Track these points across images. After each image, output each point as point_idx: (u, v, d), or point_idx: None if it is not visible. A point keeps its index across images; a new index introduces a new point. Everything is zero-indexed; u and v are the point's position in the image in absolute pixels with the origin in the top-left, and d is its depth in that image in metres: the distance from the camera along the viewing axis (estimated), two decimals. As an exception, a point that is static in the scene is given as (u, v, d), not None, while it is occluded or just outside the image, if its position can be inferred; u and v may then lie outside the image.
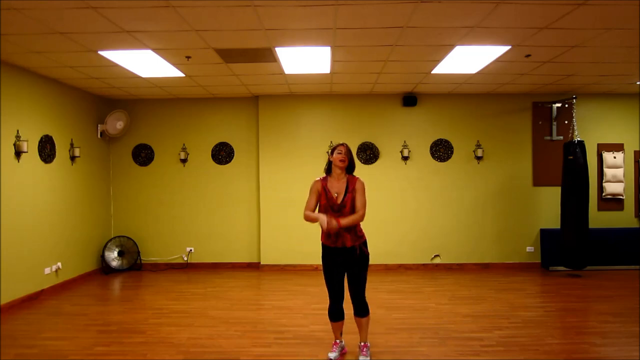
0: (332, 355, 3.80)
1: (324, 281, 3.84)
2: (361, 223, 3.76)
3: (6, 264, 5.31)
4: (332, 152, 3.77)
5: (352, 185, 3.72)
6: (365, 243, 3.76)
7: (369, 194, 7.87)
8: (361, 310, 3.77)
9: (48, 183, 6.13)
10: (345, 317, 3.89)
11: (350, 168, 3.77)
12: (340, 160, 3.69)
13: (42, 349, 4.13)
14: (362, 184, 3.76)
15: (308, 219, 3.69)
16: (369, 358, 3.77)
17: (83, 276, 6.93)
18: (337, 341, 3.92)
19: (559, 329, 4.60)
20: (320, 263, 3.85)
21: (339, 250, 3.70)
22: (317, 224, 3.67)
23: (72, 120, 6.72)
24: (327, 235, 3.70)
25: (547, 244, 7.33)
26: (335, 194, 3.69)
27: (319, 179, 3.81)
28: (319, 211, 3.73)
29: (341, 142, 3.83)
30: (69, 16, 3.93)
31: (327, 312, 3.91)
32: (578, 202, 6.69)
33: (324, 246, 3.79)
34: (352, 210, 3.67)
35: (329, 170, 3.81)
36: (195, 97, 7.70)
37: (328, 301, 3.84)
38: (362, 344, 3.84)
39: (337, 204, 3.67)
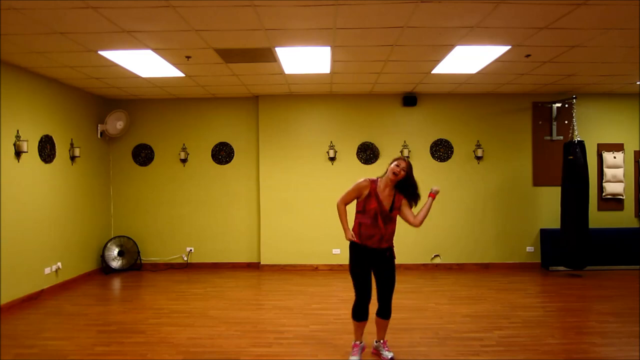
0: (354, 358, 3.76)
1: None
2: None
3: (6, 264, 5.31)
4: (392, 161, 3.68)
5: (398, 202, 3.68)
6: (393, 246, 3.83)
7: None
8: (387, 312, 3.80)
9: (48, 183, 6.13)
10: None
11: (403, 186, 3.67)
12: (394, 173, 3.60)
13: (42, 349, 4.12)
14: (406, 202, 3.73)
15: (339, 215, 3.71)
16: (392, 353, 3.85)
17: (83, 276, 6.93)
18: (358, 342, 3.83)
19: (559, 329, 4.60)
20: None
21: (374, 251, 3.68)
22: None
23: (72, 120, 6.72)
24: (369, 236, 3.65)
25: (547, 244, 7.33)
26: (386, 203, 3.66)
27: (368, 180, 3.70)
28: (371, 214, 3.62)
29: (404, 157, 3.73)
30: (69, 16, 3.93)
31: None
32: (578, 202, 6.69)
33: (358, 247, 3.70)
34: (394, 224, 3.72)
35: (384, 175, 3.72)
36: (195, 97, 7.70)
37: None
38: (383, 341, 3.90)
39: (389, 214, 3.64)
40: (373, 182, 3.68)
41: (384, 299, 3.77)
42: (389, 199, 3.66)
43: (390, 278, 3.76)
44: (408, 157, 7.54)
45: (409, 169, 3.65)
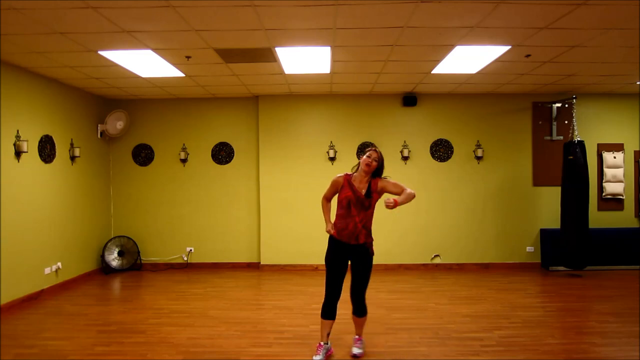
0: (317, 358, 3.77)
1: (324, 281, 3.84)
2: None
3: (6, 264, 5.31)
4: (362, 153, 3.76)
5: (374, 186, 3.69)
6: (372, 243, 3.80)
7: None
8: (360, 310, 3.83)
9: (48, 183, 6.13)
10: (336, 318, 3.86)
11: (374, 175, 3.73)
12: (367, 164, 3.66)
13: (42, 349, 4.12)
14: (385, 179, 3.74)
15: (323, 209, 3.92)
16: (362, 350, 3.88)
17: (83, 276, 6.93)
18: (322, 343, 3.85)
19: (559, 329, 4.60)
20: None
21: (349, 247, 3.70)
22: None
23: (72, 120, 6.72)
24: (343, 228, 3.68)
25: (547, 244, 7.33)
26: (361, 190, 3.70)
27: (342, 174, 3.80)
28: (343, 203, 3.70)
29: (373, 147, 3.78)
30: (69, 16, 3.93)
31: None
32: (578, 202, 6.69)
33: (334, 241, 3.76)
34: (373, 210, 3.72)
35: (357, 169, 3.80)
36: (195, 97, 7.70)
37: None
38: (357, 337, 3.94)
39: (362, 197, 3.64)
40: (347, 175, 3.78)
41: (356, 296, 3.79)
42: (365, 186, 3.70)
43: (363, 276, 3.76)
44: (408, 157, 7.54)
45: (380, 158, 3.71)
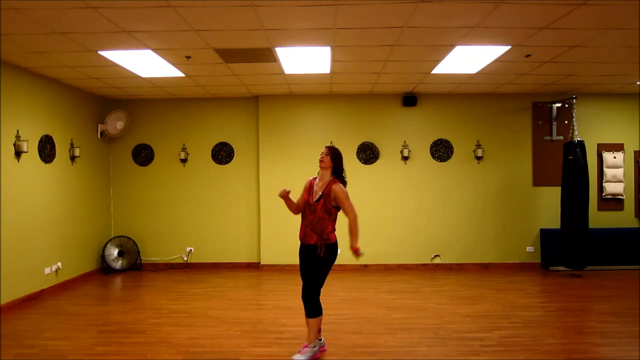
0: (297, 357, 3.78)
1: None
2: (357, 223, 3.79)
3: (6, 264, 5.31)
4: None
5: (327, 189, 3.76)
6: (332, 246, 3.76)
7: (369, 195, 7.78)
8: (308, 310, 3.81)
9: (48, 183, 6.13)
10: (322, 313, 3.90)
11: (334, 171, 3.84)
12: (320, 161, 3.85)
13: (42, 349, 4.12)
14: (340, 189, 3.74)
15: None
16: (304, 357, 3.76)
17: (83, 276, 6.93)
18: (307, 344, 3.86)
19: (559, 329, 4.60)
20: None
21: (304, 247, 3.84)
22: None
23: (72, 120, 6.72)
24: (300, 228, 3.89)
25: (547, 244, 7.33)
26: (316, 193, 3.83)
27: (311, 178, 4.02)
28: (301, 205, 3.93)
29: (328, 144, 3.97)
30: (69, 16, 3.93)
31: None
32: (578, 202, 6.69)
33: (300, 241, 3.95)
34: (324, 214, 3.73)
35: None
36: (195, 97, 7.70)
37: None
38: (306, 343, 3.85)
39: (311, 203, 3.80)
40: (313, 179, 3.97)
41: (303, 295, 3.82)
42: (322, 188, 3.80)
43: (310, 275, 3.79)
44: (408, 157, 7.54)
45: (332, 153, 3.82)
